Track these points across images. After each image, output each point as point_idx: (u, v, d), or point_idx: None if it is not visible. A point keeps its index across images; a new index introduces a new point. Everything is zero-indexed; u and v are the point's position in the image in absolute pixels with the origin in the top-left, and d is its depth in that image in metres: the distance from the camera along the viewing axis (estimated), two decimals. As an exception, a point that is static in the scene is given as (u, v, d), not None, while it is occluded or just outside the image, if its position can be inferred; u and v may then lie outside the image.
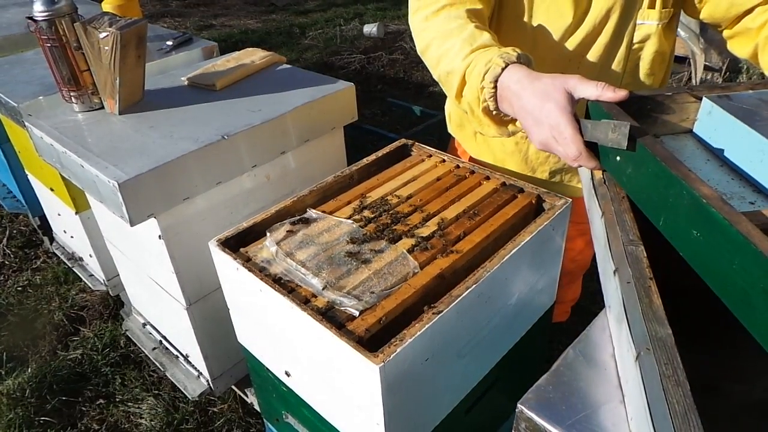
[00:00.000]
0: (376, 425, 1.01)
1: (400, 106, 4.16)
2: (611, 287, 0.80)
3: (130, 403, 2.16)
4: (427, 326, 0.98)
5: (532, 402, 0.71)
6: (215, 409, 2.12)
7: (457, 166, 1.46)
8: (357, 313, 1.03)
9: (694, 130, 1.02)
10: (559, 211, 1.26)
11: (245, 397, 1.87)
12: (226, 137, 1.39)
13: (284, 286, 1.10)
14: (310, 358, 1.11)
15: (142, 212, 1.30)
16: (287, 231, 1.24)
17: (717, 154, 0.96)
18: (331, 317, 1.02)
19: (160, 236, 1.38)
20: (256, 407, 2.01)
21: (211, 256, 1.23)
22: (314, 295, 1.08)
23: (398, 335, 0.96)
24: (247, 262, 1.17)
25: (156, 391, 2.20)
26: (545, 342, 1.59)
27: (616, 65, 1.27)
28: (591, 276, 2.52)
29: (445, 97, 1.35)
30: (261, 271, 1.14)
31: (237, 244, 1.24)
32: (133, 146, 1.37)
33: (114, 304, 2.60)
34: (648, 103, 1.00)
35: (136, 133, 1.43)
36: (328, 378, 1.09)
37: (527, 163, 1.47)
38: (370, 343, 0.98)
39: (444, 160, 1.50)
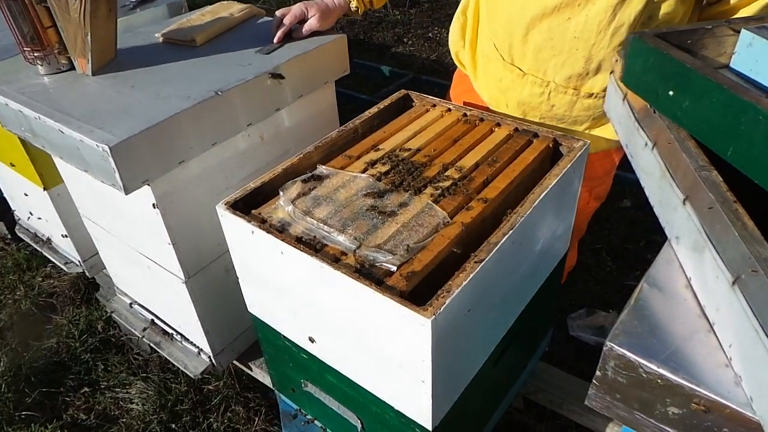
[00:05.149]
0: (422, 383, 0.97)
1: (365, 66, 4.03)
2: (680, 218, 0.76)
3: (117, 389, 2.05)
4: (471, 276, 0.93)
5: (621, 338, 0.67)
6: (210, 387, 2.03)
7: (465, 114, 1.41)
8: (394, 269, 0.97)
9: (730, 65, 0.99)
10: (579, 153, 1.23)
11: (249, 371, 1.80)
12: (220, 93, 1.28)
13: (309, 245, 1.03)
14: (340, 319, 1.05)
15: (136, 178, 1.18)
16: (300, 189, 1.16)
17: (758, 86, 0.93)
18: (368, 274, 0.96)
19: (154, 205, 1.27)
20: (256, 381, 1.93)
21: (211, 224, 1.14)
22: (343, 253, 1.01)
23: (444, 286, 0.91)
24: (263, 224, 1.09)
25: (144, 374, 2.08)
26: (556, 293, 1.58)
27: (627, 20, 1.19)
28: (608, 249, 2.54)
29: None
30: (280, 232, 1.06)
31: (246, 206, 1.15)
32: (117, 107, 1.24)
33: (86, 288, 2.44)
34: (688, 37, 0.96)
35: (118, 94, 1.30)
36: (362, 339, 1.03)
37: (519, 106, 1.45)
38: (411, 297, 0.93)
39: (450, 109, 1.43)
